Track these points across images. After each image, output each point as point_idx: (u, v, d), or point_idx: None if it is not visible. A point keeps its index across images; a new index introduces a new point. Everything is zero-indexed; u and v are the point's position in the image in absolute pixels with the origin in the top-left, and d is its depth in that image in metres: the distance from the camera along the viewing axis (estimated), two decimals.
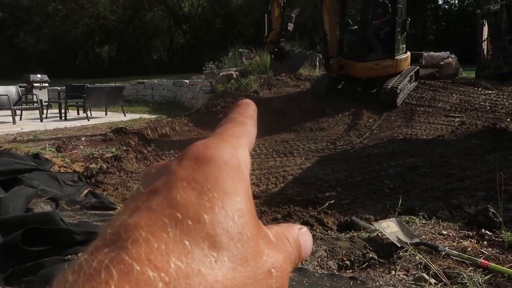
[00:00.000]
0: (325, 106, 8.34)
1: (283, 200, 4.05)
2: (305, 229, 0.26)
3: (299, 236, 0.24)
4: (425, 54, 10.60)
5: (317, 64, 11.82)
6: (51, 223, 2.53)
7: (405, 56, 8.83)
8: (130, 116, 10.19)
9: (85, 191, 4.18)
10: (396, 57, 8.53)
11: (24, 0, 31.89)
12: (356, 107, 8.16)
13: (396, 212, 3.21)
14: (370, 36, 8.85)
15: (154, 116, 10.16)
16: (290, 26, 8.88)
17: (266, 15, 8.93)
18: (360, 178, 4.67)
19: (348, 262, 2.54)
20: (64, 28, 28.89)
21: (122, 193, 4.44)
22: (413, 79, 9.25)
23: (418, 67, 9.47)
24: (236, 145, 0.24)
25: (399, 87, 8.09)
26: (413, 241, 2.56)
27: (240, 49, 16.22)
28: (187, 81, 13.69)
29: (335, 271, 2.39)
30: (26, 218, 2.69)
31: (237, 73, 11.33)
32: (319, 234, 2.95)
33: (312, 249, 0.23)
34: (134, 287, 0.16)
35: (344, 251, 2.64)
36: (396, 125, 7.29)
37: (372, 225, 3.10)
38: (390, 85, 8.10)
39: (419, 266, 2.29)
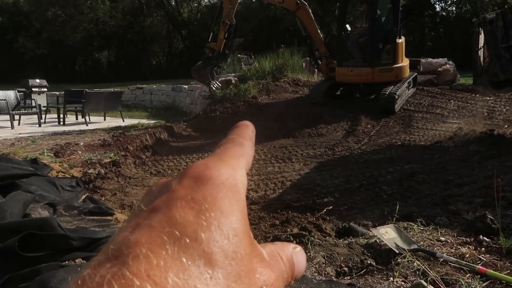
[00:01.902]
0: (323, 112, 8.36)
1: (282, 206, 4.04)
2: (299, 248, 0.27)
3: (293, 255, 0.25)
4: (423, 60, 10.67)
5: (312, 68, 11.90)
6: (49, 228, 2.52)
7: (399, 65, 8.80)
8: (128, 121, 10.20)
9: (83, 197, 4.17)
10: (376, 67, 8.55)
11: (24, 5, 31.98)
12: (354, 113, 8.18)
13: (394, 218, 3.21)
14: (352, 43, 8.99)
15: (153, 121, 10.16)
16: (228, 52, 9.42)
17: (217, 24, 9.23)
18: (358, 184, 4.67)
19: (346, 269, 2.53)
20: (64, 33, 28.97)
21: (120, 198, 4.43)
22: (411, 85, 9.30)
23: (416, 73, 9.52)
24: (235, 166, 0.25)
25: (397, 93, 8.13)
26: (411, 248, 2.56)
27: (239, 55, 16.27)
28: (186, 86, 13.71)
29: (333, 277, 2.39)
30: (23, 224, 2.68)
31: (236, 78, 11.37)
32: (317, 240, 2.94)
33: (305, 269, 0.24)
34: None
35: (342, 258, 2.64)
36: (394, 131, 7.31)
37: (370, 231, 3.10)
38: (388, 91, 8.14)
39: (417, 272, 2.28)
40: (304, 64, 12.89)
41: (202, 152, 6.65)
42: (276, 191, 4.64)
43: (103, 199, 4.33)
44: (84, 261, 2.30)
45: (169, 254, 0.19)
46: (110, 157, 5.76)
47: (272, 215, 3.83)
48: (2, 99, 9.09)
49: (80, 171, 5.12)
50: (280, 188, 4.72)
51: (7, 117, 8.99)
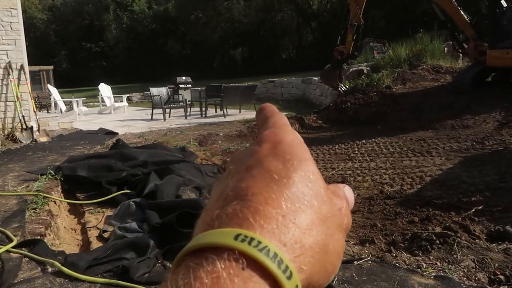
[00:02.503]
0: (470, 101, 7.46)
1: (421, 203, 3.76)
2: (347, 187, 0.33)
3: (345, 191, 0.32)
4: None
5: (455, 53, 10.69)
6: (198, 208, 2.81)
7: None
8: None
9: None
10: None
11: (172, 11, 36.00)
12: (510, 102, 7.10)
13: None
14: (509, 21, 7.67)
15: (284, 113, 10.41)
16: (358, 53, 9.23)
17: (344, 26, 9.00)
18: None
19: (502, 277, 2.24)
20: (204, 34, 31.74)
21: None
22: None
23: None
24: (291, 130, 0.32)
25: None
26: None
27: (371, 43, 15.59)
28: (316, 78, 13.72)
29: (486, 284, 2.14)
30: (178, 203, 3.05)
31: (368, 68, 10.93)
32: (464, 242, 2.66)
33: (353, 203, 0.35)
34: (264, 219, 0.24)
35: (496, 264, 2.34)
36: None
37: None
38: None
39: None
40: (446, 49, 11.70)
41: (332, 143, 6.59)
42: (413, 186, 4.33)
43: None
44: None
45: (275, 190, 0.26)
46: (246, 147, 6.13)
47: (410, 211, 3.60)
48: (157, 95, 10.45)
49: (220, 159, 5.57)
50: (419, 184, 4.39)
51: (160, 110, 10.30)
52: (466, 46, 8.94)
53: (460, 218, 3.30)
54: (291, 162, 0.28)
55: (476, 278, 2.22)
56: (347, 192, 0.33)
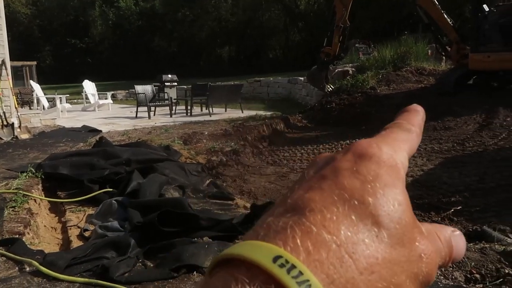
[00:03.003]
0: (452, 103, 7.61)
1: None
2: (459, 232, 0.27)
3: (451, 237, 0.26)
4: None
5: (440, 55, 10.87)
6: (181, 208, 2.81)
7: None
8: (247, 113, 10.69)
9: (207, 182, 4.53)
10: None
11: (159, 8, 35.70)
12: (490, 104, 7.26)
13: None
14: (491, 25, 7.87)
15: (269, 113, 10.48)
16: (344, 55, 9.25)
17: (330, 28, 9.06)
18: (495, 184, 4.15)
19: (477, 276, 2.29)
20: (191, 32, 31.58)
21: (240, 185, 4.69)
22: None
23: None
24: (397, 148, 0.26)
25: None
26: None
27: (356, 44, 15.72)
28: (302, 78, 13.78)
29: (462, 283, 2.18)
30: (160, 202, 3.03)
31: (353, 69, 11.02)
32: None
33: (464, 253, 0.24)
34: (314, 243, 0.21)
35: (473, 263, 2.39)
36: None
37: (509, 237, 2.75)
38: None
39: None
40: (430, 51, 11.88)
41: (317, 143, 6.64)
42: None
43: (224, 184, 4.64)
44: (211, 240, 2.51)
45: (339, 211, 0.22)
46: (231, 146, 6.13)
47: None
48: (142, 93, 10.35)
49: (205, 158, 5.55)
50: None
51: (145, 108, 10.21)
52: (449, 49, 9.10)
53: (439, 218, 3.37)
54: (372, 184, 0.23)
55: (453, 277, 2.27)
56: (457, 239, 0.26)
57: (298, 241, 0.21)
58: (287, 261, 0.20)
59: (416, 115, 0.31)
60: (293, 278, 0.19)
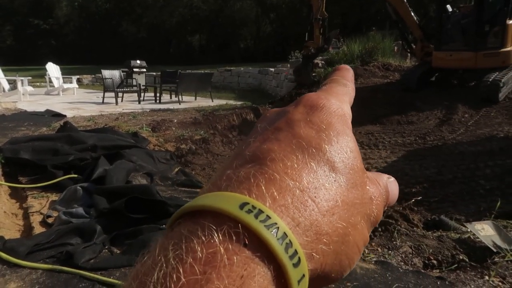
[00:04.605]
0: (415, 99, 7.88)
1: None
2: (392, 179, 0.30)
3: (387, 183, 0.29)
4: None
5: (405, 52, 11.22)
6: (149, 194, 2.78)
7: (508, 49, 7.86)
8: (217, 102, 10.64)
9: (176, 169, 4.50)
10: (480, 51, 7.74)
11: None
12: (450, 101, 7.58)
13: (492, 215, 2.97)
14: (453, 25, 8.22)
15: (240, 103, 10.47)
16: (328, 45, 9.31)
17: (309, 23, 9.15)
18: (452, 176, 4.36)
19: (435, 262, 2.42)
20: (161, 18, 30.86)
21: (209, 173, 4.68)
22: None
23: None
24: (341, 100, 0.28)
25: (503, 80, 7.33)
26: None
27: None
28: (272, 69, 13.84)
29: (420, 269, 2.30)
30: (127, 189, 2.99)
31: (323, 62, 11.17)
32: (403, 229, 2.84)
33: (397, 198, 0.29)
34: (278, 190, 0.21)
35: (431, 250, 2.52)
36: (497, 122, 6.63)
37: (464, 226, 2.91)
38: (492, 77, 7.37)
39: None
40: (396, 48, 12.21)
41: None
42: None
43: (193, 173, 4.62)
44: None
45: (299, 159, 0.23)
46: (200, 135, 6.09)
47: None
48: (109, 78, 10.06)
49: (174, 145, 5.50)
50: None
51: (112, 94, 9.94)
52: (414, 46, 9.39)
53: (401, 208, 3.51)
54: (326, 132, 0.25)
55: (412, 263, 2.39)
56: (392, 185, 0.29)
57: (263, 188, 0.21)
58: (253, 207, 0.20)
59: (348, 72, 0.34)
60: (261, 222, 0.20)
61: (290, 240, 0.20)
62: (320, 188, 0.22)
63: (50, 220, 2.97)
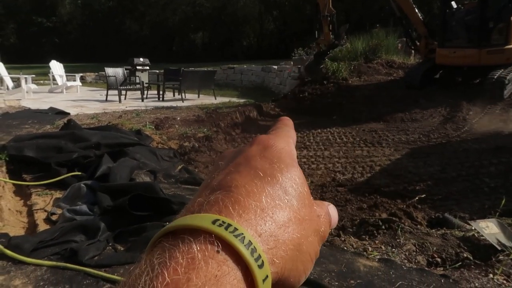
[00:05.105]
0: (419, 96, 7.85)
1: (370, 190, 3.95)
2: (332, 206, 0.35)
3: (328, 209, 0.34)
4: None
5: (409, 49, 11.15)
6: (152, 192, 2.78)
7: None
8: (220, 100, 10.63)
9: (179, 167, 4.50)
10: (483, 48, 7.69)
11: None
12: (454, 98, 7.55)
13: (497, 213, 2.95)
14: (457, 22, 8.17)
15: (243, 100, 10.46)
16: (339, 40, 9.32)
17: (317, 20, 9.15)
18: (456, 174, 4.35)
19: (439, 260, 2.41)
20: (164, 15, 30.85)
21: None
22: None
23: None
24: (287, 141, 0.34)
25: (508, 77, 7.28)
26: None
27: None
28: (275, 67, 13.81)
29: (424, 267, 2.29)
30: (131, 186, 2.99)
31: (327, 59, 11.12)
32: (407, 227, 2.83)
33: (339, 222, 0.38)
34: (243, 209, 0.26)
35: (435, 248, 2.51)
36: (502, 119, 6.60)
37: (468, 224, 2.90)
38: (497, 75, 7.33)
39: None
40: (400, 45, 12.15)
41: None
42: (364, 175, 4.53)
43: (196, 170, 4.63)
44: None
45: (258, 185, 0.28)
46: (204, 132, 6.09)
47: (359, 198, 3.77)
48: (113, 76, 10.07)
49: (177, 143, 5.50)
50: (369, 172, 4.59)
51: (116, 92, 9.95)
52: (418, 43, 9.34)
53: (404, 205, 3.50)
54: (277, 165, 0.30)
55: (416, 261, 2.38)
56: (331, 210, 0.34)
57: (230, 208, 0.26)
58: (224, 222, 0.24)
59: (289, 121, 0.40)
60: (230, 233, 0.24)
61: (254, 247, 0.24)
62: (276, 207, 0.27)
63: (54, 218, 2.98)
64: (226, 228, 0.24)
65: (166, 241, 0.24)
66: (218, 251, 0.23)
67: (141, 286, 0.22)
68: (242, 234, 0.24)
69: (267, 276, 0.24)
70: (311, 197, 0.31)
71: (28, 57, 31.40)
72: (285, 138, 0.34)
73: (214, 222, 0.24)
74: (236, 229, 0.24)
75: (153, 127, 6.11)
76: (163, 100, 10.42)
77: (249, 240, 0.24)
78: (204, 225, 0.24)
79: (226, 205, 0.26)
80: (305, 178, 0.31)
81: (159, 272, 0.22)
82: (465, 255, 2.40)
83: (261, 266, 0.24)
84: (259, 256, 0.24)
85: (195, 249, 0.23)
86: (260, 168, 0.29)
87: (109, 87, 10.12)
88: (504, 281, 2.06)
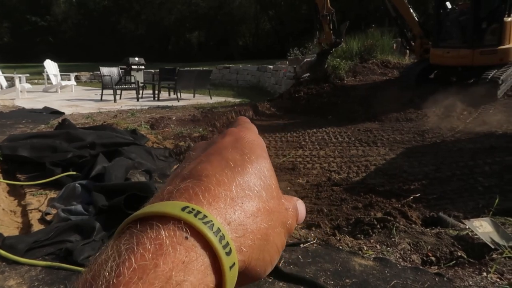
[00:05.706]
0: (414, 96, 7.88)
1: (365, 190, 3.96)
2: (300, 201, 0.35)
3: (296, 204, 0.34)
4: None
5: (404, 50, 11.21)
6: (148, 192, 2.78)
7: (506, 47, 7.86)
8: (216, 99, 10.62)
9: (175, 167, 4.49)
10: (476, 48, 7.76)
11: None
12: (449, 98, 7.59)
13: (491, 212, 2.98)
14: (451, 22, 8.23)
15: (238, 100, 10.46)
16: (340, 39, 9.30)
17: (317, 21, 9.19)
18: (450, 173, 4.38)
19: (433, 258, 2.43)
20: (160, 15, 30.77)
21: None
22: None
23: None
24: (255, 133, 0.35)
25: (502, 77, 7.33)
26: (510, 244, 2.36)
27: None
28: (271, 66, 13.82)
29: (419, 265, 2.31)
30: (126, 186, 2.99)
31: None
32: (402, 226, 2.85)
33: (306, 217, 0.39)
34: (213, 197, 0.26)
35: (429, 247, 2.53)
36: (495, 119, 6.64)
37: (462, 223, 2.92)
38: (491, 75, 7.38)
39: None
40: (395, 45, 12.20)
41: (284, 131, 6.71)
42: (359, 174, 4.54)
43: None
44: None
45: (228, 175, 0.28)
46: (199, 132, 6.09)
47: (354, 197, 3.78)
48: (107, 75, 10.03)
49: (172, 143, 5.49)
50: (364, 172, 4.61)
51: (111, 91, 9.91)
52: (413, 43, 9.39)
53: (399, 205, 3.52)
54: (248, 156, 0.30)
55: (411, 259, 2.39)
56: (299, 205, 0.35)
57: (200, 196, 0.26)
58: (193, 209, 0.24)
59: (247, 119, 0.40)
60: (199, 220, 0.24)
61: (223, 234, 0.24)
62: (246, 197, 0.28)
63: (49, 218, 2.96)
64: (195, 215, 0.24)
65: (134, 227, 0.24)
66: (186, 238, 0.23)
67: (107, 272, 0.21)
68: (211, 221, 0.24)
69: (234, 263, 0.25)
70: (280, 190, 0.32)
71: (23, 56, 31.19)
72: (252, 131, 0.35)
73: (183, 209, 0.24)
74: (205, 216, 0.24)
75: (149, 127, 6.10)
76: (158, 100, 10.40)
77: (218, 228, 0.24)
78: (173, 212, 0.24)
79: (196, 193, 0.26)
80: (273, 171, 0.32)
81: (126, 258, 0.22)
82: (459, 254, 2.42)
83: (228, 253, 0.24)
84: (227, 244, 0.24)
85: (163, 235, 0.23)
86: (231, 158, 0.29)
87: (104, 86, 10.07)
88: (498, 280, 2.08)
